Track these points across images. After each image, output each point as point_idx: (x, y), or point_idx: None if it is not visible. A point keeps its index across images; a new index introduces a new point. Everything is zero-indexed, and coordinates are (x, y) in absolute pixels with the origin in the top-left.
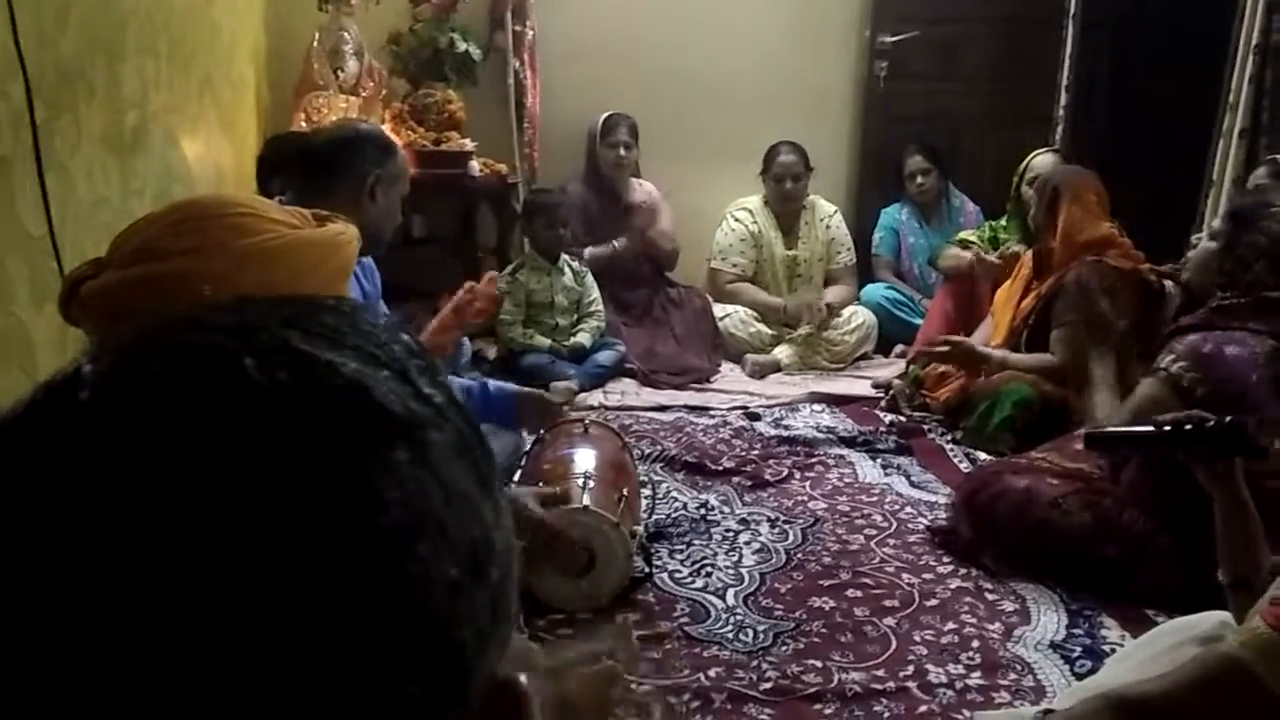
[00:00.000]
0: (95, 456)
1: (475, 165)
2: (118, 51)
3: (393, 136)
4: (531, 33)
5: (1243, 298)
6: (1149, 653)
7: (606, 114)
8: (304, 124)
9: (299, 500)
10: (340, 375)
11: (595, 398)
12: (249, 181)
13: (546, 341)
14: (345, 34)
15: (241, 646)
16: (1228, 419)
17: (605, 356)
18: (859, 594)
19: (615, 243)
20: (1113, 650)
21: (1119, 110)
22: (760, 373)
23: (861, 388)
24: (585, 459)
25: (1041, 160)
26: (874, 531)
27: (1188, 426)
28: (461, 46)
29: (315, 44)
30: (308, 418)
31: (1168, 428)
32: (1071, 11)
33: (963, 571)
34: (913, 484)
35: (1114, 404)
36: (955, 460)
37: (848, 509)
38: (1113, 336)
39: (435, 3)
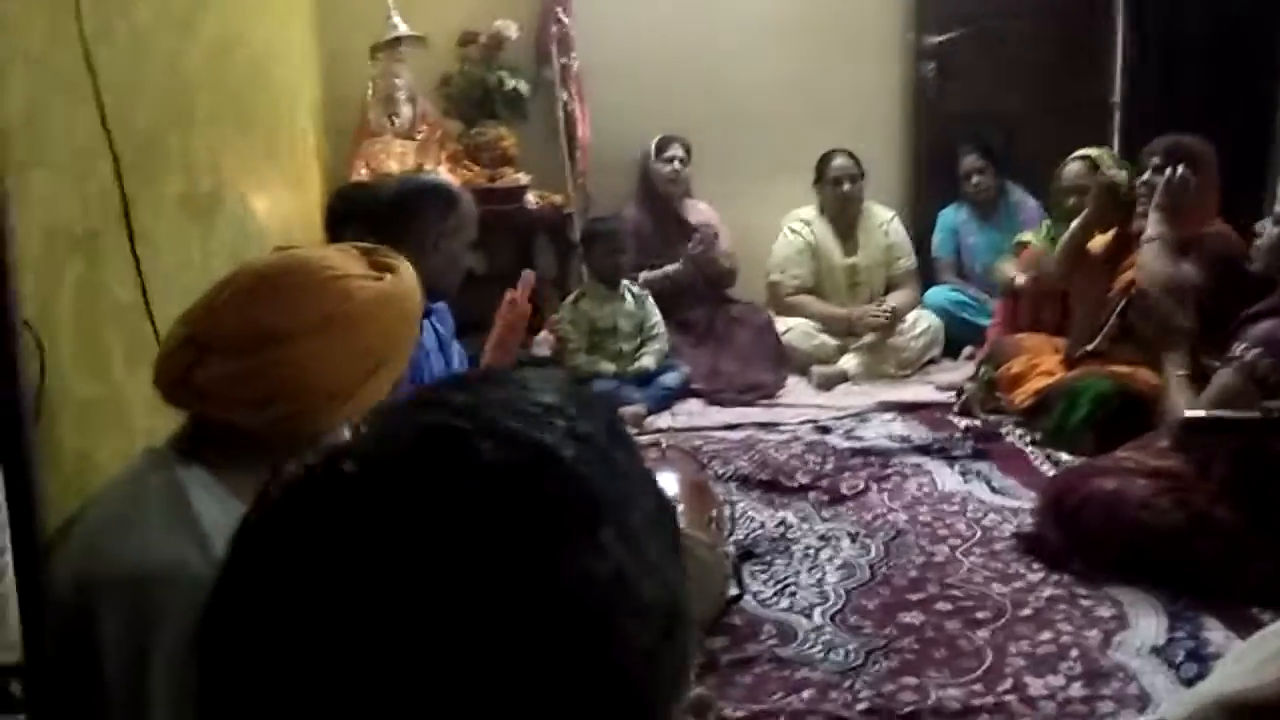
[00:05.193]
0: (359, 522)
1: (531, 198)
2: (188, 122)
3: (450, 177)
4: (577, 64)
5: None
6: (1260, 655)
7: (660, 135)
8: (364, 172)
9: (521, 576)
10: (559, 461)
11: (663, 420)
12: (316, 232)
13: (611, 367)
14: (397, 80)
15: (465, 708)
16: None
17: (670, 378)
18: (949, 607)
19: (669, 268)
20: (1219, 653)
21: (1174, 96)
22: (827, 384)
23: (930, 393)
24: (668, 484)
25: (1072, 169)
26: (958, 541)
27: None
28: (510, 83)
29: (370, 93)
30: (532, 499)
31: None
32: None
33: (1054, 578)
34: (994, 490)
35: (1191, 395)
36: (1036, 463)
37: (929, 519)
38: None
39: (482, 43)
